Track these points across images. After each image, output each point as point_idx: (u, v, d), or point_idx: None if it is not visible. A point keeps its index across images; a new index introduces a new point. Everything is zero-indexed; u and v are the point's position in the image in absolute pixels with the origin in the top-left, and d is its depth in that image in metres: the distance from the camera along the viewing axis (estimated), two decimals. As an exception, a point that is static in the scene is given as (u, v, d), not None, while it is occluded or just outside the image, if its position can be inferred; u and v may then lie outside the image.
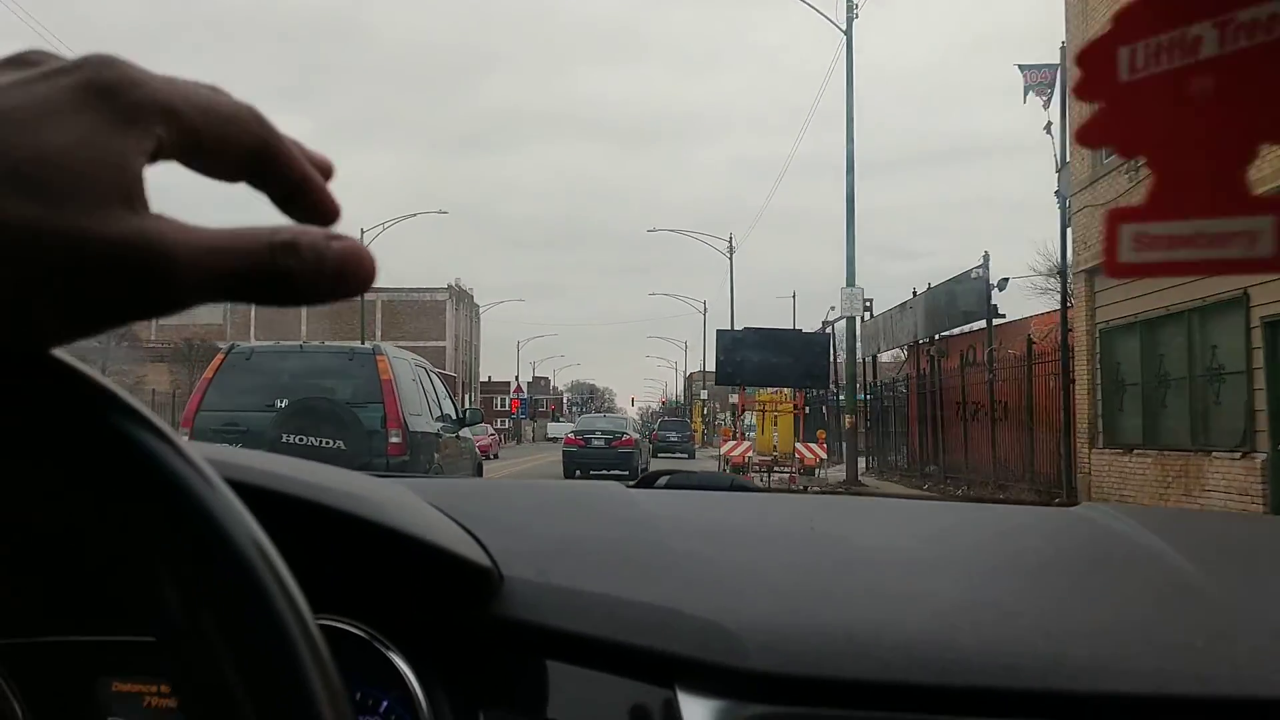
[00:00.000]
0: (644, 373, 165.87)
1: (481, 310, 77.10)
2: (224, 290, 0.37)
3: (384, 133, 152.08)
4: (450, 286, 70.76)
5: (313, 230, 0.39)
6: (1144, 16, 0.54)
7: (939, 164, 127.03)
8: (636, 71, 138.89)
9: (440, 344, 66.70)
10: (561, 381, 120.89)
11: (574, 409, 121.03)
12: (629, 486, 1.23)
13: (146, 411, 0.38)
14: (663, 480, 1.39)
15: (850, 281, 22.89)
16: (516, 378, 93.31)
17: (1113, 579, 0.94)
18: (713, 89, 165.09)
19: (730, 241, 47.18)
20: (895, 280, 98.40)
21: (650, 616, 0.78)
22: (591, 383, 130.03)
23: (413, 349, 12.29)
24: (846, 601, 0.83)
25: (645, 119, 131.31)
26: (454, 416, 10.60)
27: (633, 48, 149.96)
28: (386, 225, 48.11)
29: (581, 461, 23.56)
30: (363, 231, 55.33)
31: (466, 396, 67.23)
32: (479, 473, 11.38)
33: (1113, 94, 0.55)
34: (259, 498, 0.45)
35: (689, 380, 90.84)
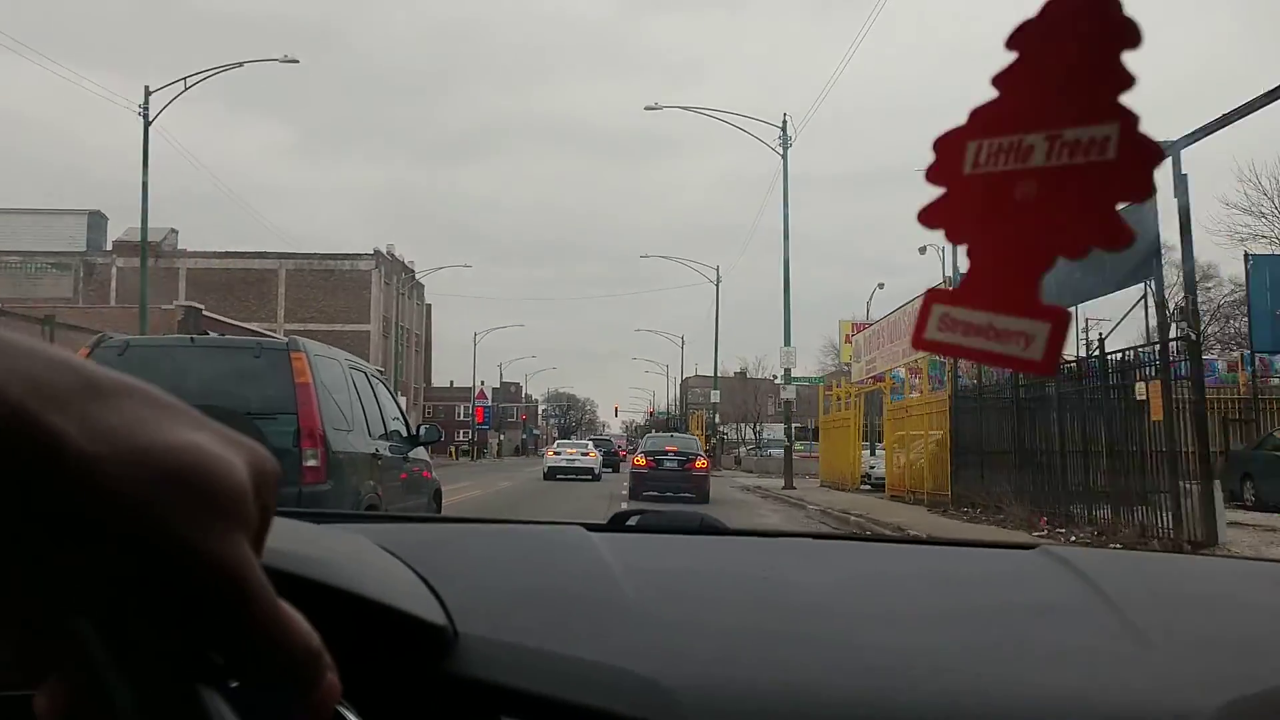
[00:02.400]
0: (630, 381, 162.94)
1: (419, 275, 62.46)
2: (251, 663, 0.39)
3: (364, 144, 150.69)
4: (378, 253, 55.64)
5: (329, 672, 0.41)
6: (994, 117, 0.59)
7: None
8: (624, 84, 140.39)
9: (361, 328, 53.44)
10: (535, 389, 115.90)
11: (550, 421, 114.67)
12: (594, 529, 1.23)
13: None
14: (632, 521, 1.41)
15: (787, 342, 28.01)
16: (481, 383, 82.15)
17: (1050, 630, 0.95)
18: (701, 101, 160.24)
19: (718, 272, 49.61)
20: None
21: (596, 674, 0.80)
22: (570, 392, 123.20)
23: (324, 334, 9.79)
24: (788, 657, 0.85)
25: (632, 132, 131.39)
26: (404, 433, 8.65)
27: (619, 60, 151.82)
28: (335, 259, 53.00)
29: (654, 484, 21.81)
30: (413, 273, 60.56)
31: (404, 401, 59.20)
32: (438, 503, 9.53)
33: (954, 183, 0.60)
34: None
35: (684, 385, 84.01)
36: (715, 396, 50.22)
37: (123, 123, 79.12)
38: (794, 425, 30.94)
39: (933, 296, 0.61)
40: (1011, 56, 0.59)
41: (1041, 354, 0.57)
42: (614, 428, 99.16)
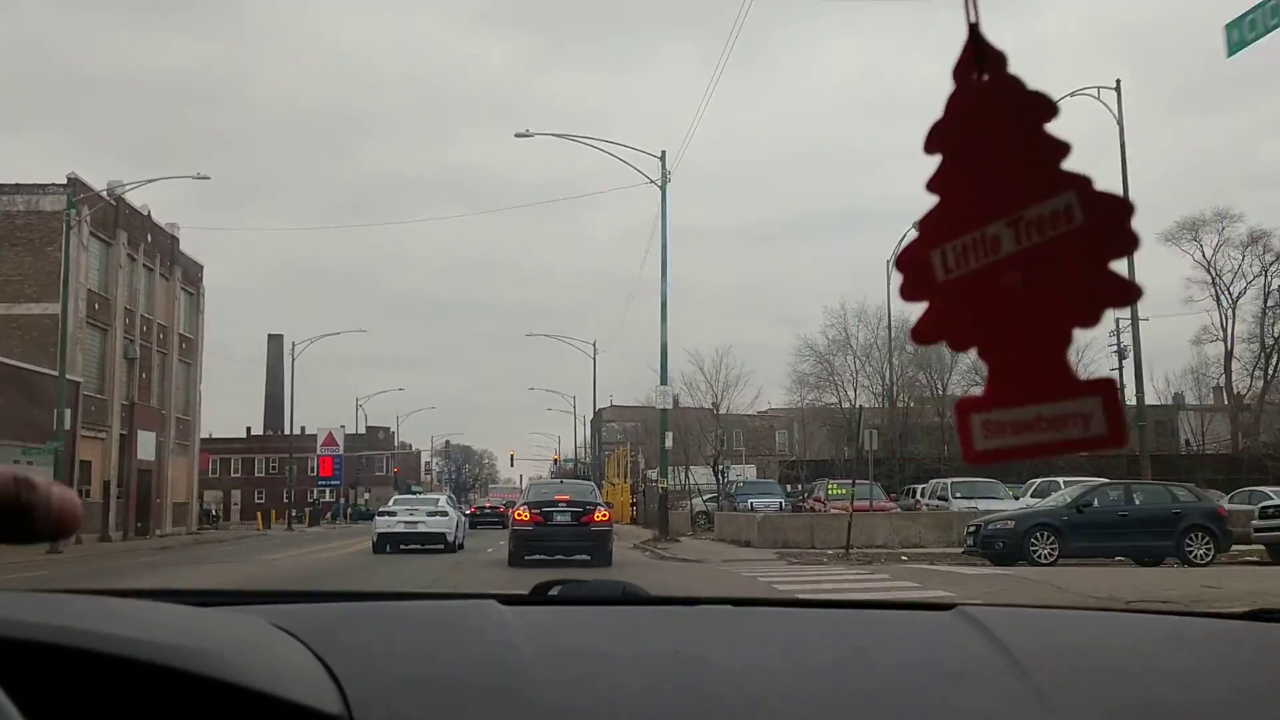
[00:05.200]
0: (532, 425, 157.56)
1: (186, 241, 45.86)
2: None
3: (260, 197, 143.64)
4: (75, 184, 33.87)
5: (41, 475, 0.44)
6: (945, 220, 0.59)
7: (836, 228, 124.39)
8: (524, 142, 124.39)
9: (44, 309, 33.62)
10: (417, 438, 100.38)
11: (445, 481, 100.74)
12: (510, 602, 1.21)
13: None
14: (554, 591, 1.38)
15: (663, 381, 28.47)
16: (341, 427, 69.48)
17: (958, 698, 0.96)
18: (597, 155, 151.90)
19: (594, 346, 54.53)
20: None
21: None
22: (465, 444, 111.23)
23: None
24: None
25: (531, 186, 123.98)
26: None
27: (516, 114, 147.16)
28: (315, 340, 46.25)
29: (540, 545, 17.48)
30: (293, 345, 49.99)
31: (151, 438, 40.31)
32: None
33: (935, 293, 0.60)
34: (75, 658, 0.46)
35: (598, 418, 69.09)
36: (668, 441, 29.51)
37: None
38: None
39: (965, 405, 0.59)
40: (935, 160, 0.59)
41: (1105, 428, 0.55)
42: (518, 480, 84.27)
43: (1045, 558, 17.88)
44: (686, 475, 41.00)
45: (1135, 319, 26.58)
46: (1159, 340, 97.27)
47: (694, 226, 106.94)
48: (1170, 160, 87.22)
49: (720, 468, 42.11)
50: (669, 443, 28.11)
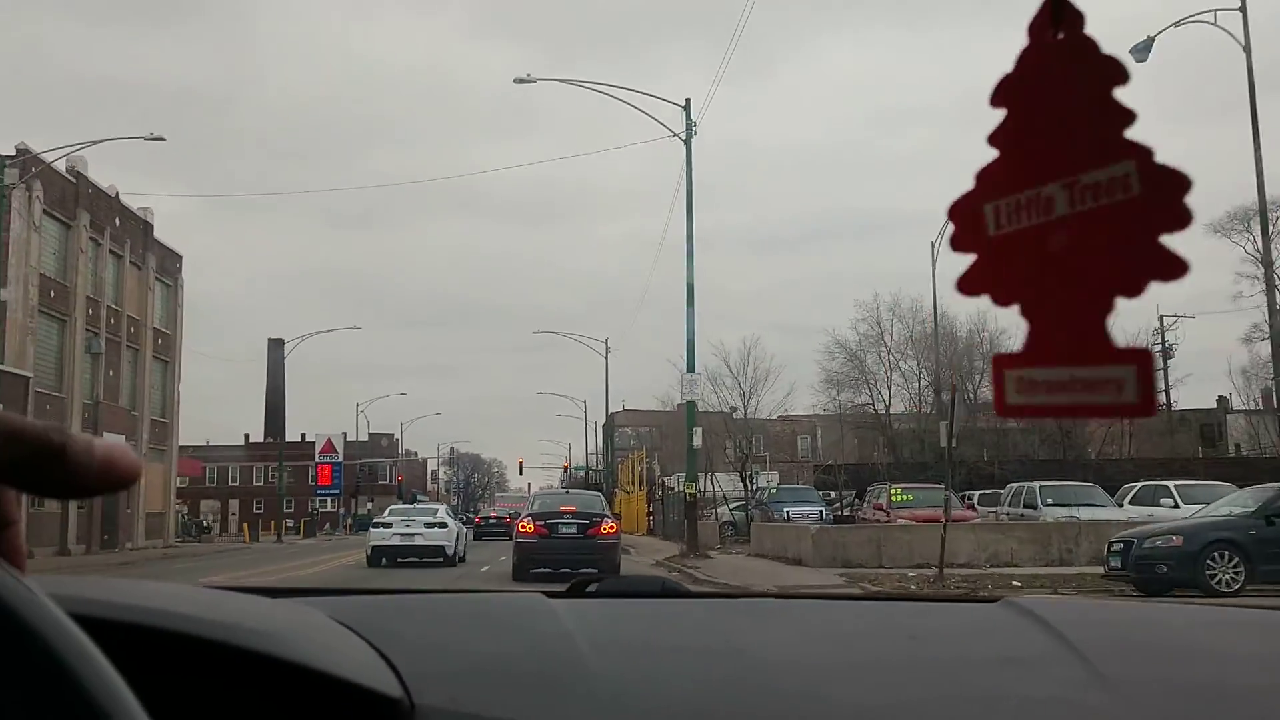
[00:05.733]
0: (541, 434, 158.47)
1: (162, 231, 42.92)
2: (7, 466, 0.42)
3: (269, 204, 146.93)
4: (25, 155, 31.72)
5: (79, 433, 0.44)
6: (1002, 176, 0.61)
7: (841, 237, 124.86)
8: (531, 145, 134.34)
9: None
10: (423, 446, 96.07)
11: (453, 490, 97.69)
12: (555, 596, 1.23)
13: None
14: (593, 588, 1.41)
15: (690, 367, 24.30)
16: (343, 435, 66.01)
17: (1017, 683, 0.96)
18: (609, 164, 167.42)
19: (606, 344, 51.35)
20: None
21: None
22: (474, 452, 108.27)
23: None
24: (760, 716, 0.86)
25: (541, 195, 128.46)
26: None
27: (528, 121, 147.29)
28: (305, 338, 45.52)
29: (545, 558, 16.83)
30: (284, 342, 46.15)
31: (120, 439, 32.35)
32: None
33: (983, 247, 0.61)
34: (130, 635, 0.47)
35: (610, 422, 66.31)
36: (696, 438, 25.08)
37: None
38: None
39: (1001, 362, 0.61)
40: (1000, 114, 0.60)
41: (1136, 396, 0.57)
42: (527, 489, 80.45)
43: (1227, 585, 13.67)
44: (711, 481, 36.59)
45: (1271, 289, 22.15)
46: (1204, 340, 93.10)
47: (711, 231, 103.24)
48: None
49: (749, 473, 37.48)
50: (697, 440, 24.07)
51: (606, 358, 53.02)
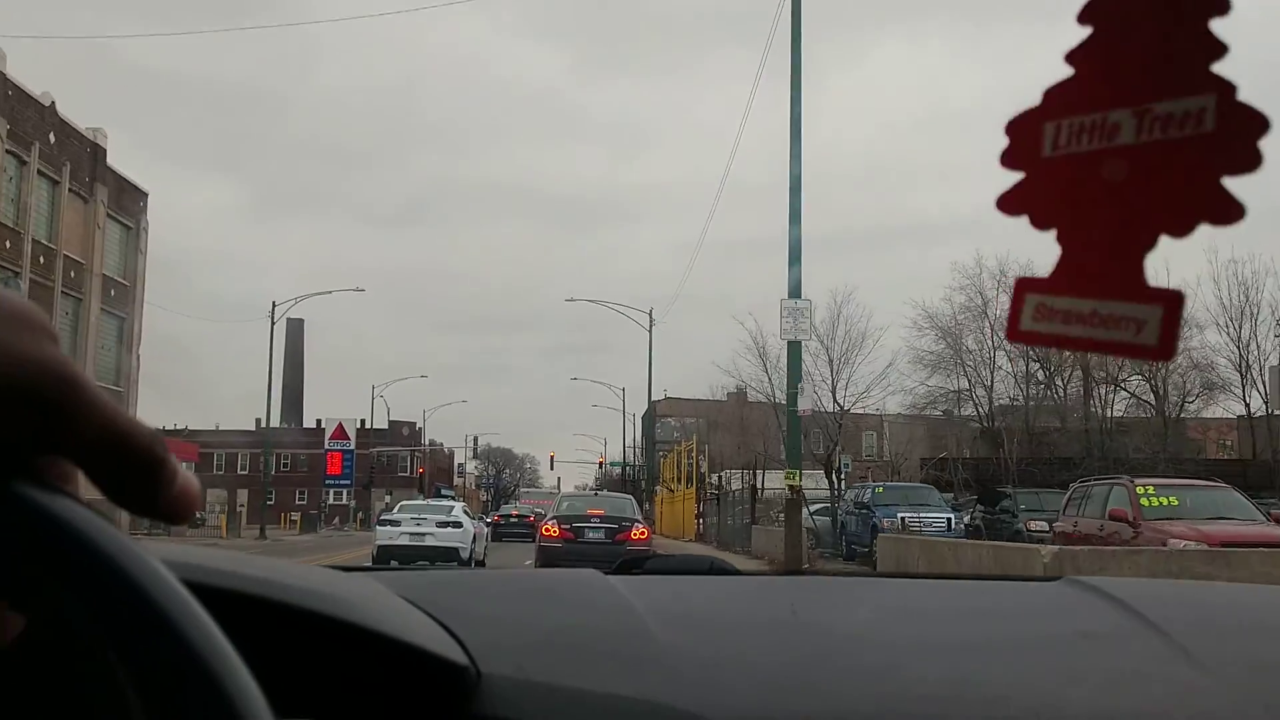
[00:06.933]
0: (573, 425, 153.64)
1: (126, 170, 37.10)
2: (100, 454, 0.39)
3: (314, 205, 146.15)
4: None
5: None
6: (1071, 95, 0.59)
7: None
8: (576, 149, 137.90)
9: None
10: (445, 437, 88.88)
11: (484, 486, 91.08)
12: (608, 573, 1.24)
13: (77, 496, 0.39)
14: (643, 566, 1.44)
15: (795, 293, 17.45)
16: (361, 421, 60.17)
17: (1096, 656, 0.96)
18: (655, 167, 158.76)
19: (650, 315, 45.92)
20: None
21: (632, 711, 0.82)
22: (505, 447, 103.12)
23: None
24: (830, 690, 0.87)
25: (585, 197, 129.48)
26: None
27: (573, 124, 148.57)
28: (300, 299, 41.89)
29: (569, 564, 13.62)
30: (274, 305, 41.23)
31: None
32: None
33: (1033, 167, 0.60)
34: (215, 597, 0.47)
35: (651, 410, 57.18)
36: (804, 401, 18.10)
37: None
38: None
39: (1024, 284, 0.60)
40: (1084, 31, 0.58)
41: (1156, 339, 0.56)
42: (559, 485, 73.25)
43: None
44: (758, 479, 31.22)
45: None
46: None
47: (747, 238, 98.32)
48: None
49: (839, 468, 29.11)
50: (804, 404, 17.66)
51: (650, 330, 46.47)
